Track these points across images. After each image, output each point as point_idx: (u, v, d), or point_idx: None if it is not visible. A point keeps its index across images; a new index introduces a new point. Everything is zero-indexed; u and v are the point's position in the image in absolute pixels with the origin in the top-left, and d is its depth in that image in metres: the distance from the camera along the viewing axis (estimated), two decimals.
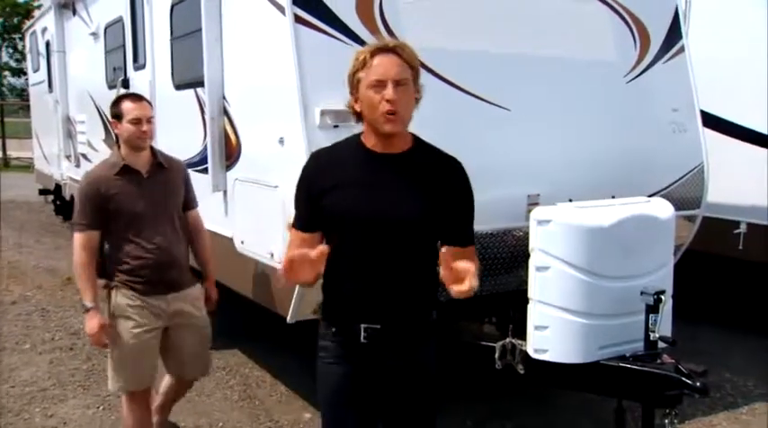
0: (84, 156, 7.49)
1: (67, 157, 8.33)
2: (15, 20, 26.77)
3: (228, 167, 4.01)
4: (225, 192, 4.06)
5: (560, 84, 3.86)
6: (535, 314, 2.99)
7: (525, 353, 3.06)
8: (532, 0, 3.85)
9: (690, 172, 4.23)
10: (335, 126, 3.11)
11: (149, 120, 3.08)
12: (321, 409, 2.28)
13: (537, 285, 2.97)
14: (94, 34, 6.81)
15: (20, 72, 27.00)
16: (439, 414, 2.27)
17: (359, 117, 2.06)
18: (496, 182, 3.42)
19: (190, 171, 3.47)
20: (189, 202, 3.34)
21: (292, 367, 4.61)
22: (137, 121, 3.03)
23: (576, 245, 2.89)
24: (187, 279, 3.24)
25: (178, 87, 4.73)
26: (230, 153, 3.98)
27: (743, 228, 5.12)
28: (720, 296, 5.74)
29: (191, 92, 4.45)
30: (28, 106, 14.19)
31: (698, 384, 2.77)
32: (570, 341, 2.92)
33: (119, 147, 3.14)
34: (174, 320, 3.16)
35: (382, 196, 2.04)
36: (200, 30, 3.99)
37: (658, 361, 2.87)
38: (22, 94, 26.81)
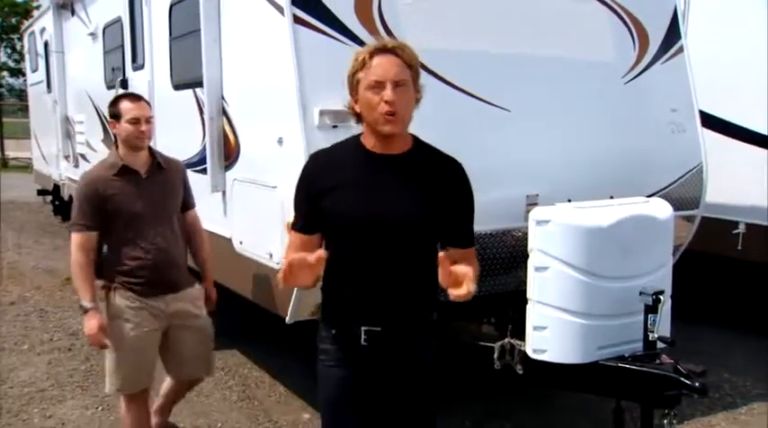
0: (83, 156, 7.48)
1: (66, 158, 8.33)
2: (14, 20, 26.73)
3: (227, 167, 4.01)
4: (224, 193, 4.05)
5: (559, 85, 3.86)
6: (534, 314, 2.99)
7: (524, 354, 3.06)
8: (531, 0, 3.85)
9: (688, 172, 4.23)
10: (334, 126, 3.11)
11: (148, 120, 3.07)
12: (321, 411, 2.27)
13: (536, 285, 2.97)
14: (93, 34, 6.80)
15: (18, 72, 26.95)
16: (438, 414, 2.27)
17: (359, 118, 2.05)
18: (495, 183, 3.42)
19: (189, 171, 3.47)
20: (187, 202, 3.34)
21: (291, 367, 4.60)
22: (135, 121, 3.02)
23: (574, 246, 2.89)
24: (186, 279, 3.23)
25: (177, 87, 4.72)
26: (229, 153, 3.97)
27: (741, 229, 5.12)
28: (719, 296, 5.74)
29: (189, 92, 4.45)
30: (26, 106, 14.19)
31: (697, 384, 2.77)
32: (569, 341, 2.92)
33: (117, 147, 3.13)
34: (173, 321, 3.15)
35: (382, 197, 2.03)
36: (199, 30, 3.98)
37: (657, 361, 2.87)
38: (21, 95, 26.77)
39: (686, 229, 4.29)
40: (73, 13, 7.68)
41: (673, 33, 4.30)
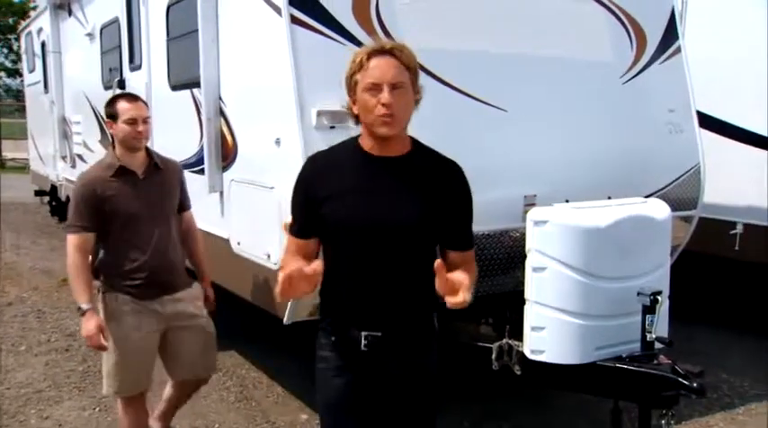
0: (80, 156, 7.47)
1: (63, 158, 8.31)
2: (11, 20, 26.72)
3: (225, 168, 4.00)
4: (221, 193, 4.04)
5: (557, 85, 3.86)
6: (532, 315, 2.99)
7: (522, 354, 3.06)
8: (529, 1, 3.86)
9: (686, 172, 4.24)
10: (332, 127, 3.11)
11: (145, 121, 3.05)
12: (320, 414, 2.26)
13: (534, 286, 2.97)
14: (90, 35, 6.79)
15: (15, 73, 26.95)
16: (437, 415, 2.27)
17: (357, 119, 2.03)
18: (493, 183, 3.41)
19: (186, 172, 3.46)
20: (183, 204, 3.33)
21: (289, 368, 4.60)
22: (132, 122, 3.00)
23: (572, 246, 2.89)
24: (183, 280, 3.22)
25: (174, 88, 4.72)
26: (226, 154, 3.97)
27: (739, 229, 5.13)
28: (717, 297, 5.74)
29: (187, 92, 4.44)
30: (23, 107, 14.16)
31: (694, 385, 2.77)
32: (567, 342, 2.93)
33: (114, 147, 3.11)
34: (172, 322, 3.13)
35: (380, 201, 2.01)
36: (197, 30, 3.97)
37: (655, 361, 2.88)
38: (18, 95, 26.75)
39: (684, 230, 4.30)
40: (70, 13, 7.66)
41: (670, 34, 4.31)
